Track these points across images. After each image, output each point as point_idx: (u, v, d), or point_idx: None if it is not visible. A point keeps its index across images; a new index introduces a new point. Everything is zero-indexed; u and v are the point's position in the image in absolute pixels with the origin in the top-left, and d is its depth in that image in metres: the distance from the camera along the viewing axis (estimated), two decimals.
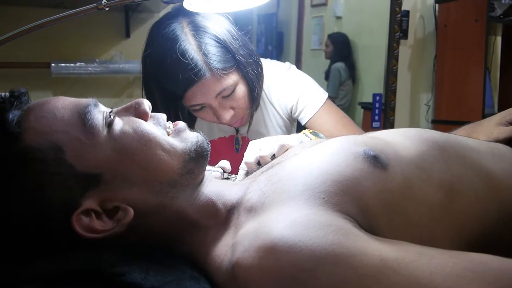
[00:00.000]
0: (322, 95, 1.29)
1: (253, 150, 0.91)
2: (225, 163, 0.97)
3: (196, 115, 1.19)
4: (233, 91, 1.12)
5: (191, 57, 1.04)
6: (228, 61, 1.08)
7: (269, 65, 1.31)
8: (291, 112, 1.31)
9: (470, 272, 0.50)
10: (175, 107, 1.17)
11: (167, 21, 1.10)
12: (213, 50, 1.07)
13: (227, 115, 1.14)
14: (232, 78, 1.10)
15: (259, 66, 1.20)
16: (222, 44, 1.08)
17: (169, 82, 1.09)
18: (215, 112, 1.13)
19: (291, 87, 1.28)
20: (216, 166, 0.97)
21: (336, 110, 1.31)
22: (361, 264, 0.50)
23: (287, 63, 1.34)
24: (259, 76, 1.19)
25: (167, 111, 1.13)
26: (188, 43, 1.06)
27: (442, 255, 0.52)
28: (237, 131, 1.32)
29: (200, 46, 1.06)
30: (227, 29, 1.11)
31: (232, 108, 1.15)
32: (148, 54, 1.13)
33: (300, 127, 1.36)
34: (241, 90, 1.14)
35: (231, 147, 1.34)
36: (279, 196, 0.60)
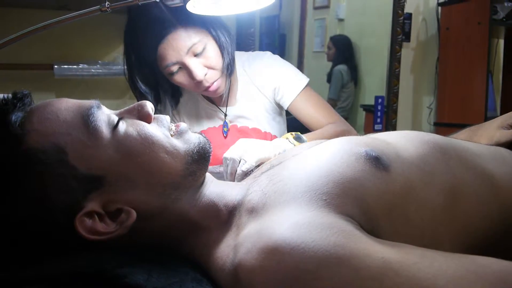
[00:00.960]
0: (302, 81, 1.35)
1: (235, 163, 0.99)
2: None
3: (175, 81, 1.23)
4: (204, 49, 1.17)
5: (159, 14, 1.11)
6: (195, 16, 1.13)
7: (252, 55, 1.40)
8: (274, 96, 1.37)
9: (473, 274, 0.50)
10: (155, 85, 1.25)
11: None
12: (180, 8, 1.11)
13: (200, 72, 1.18)
14: (201, 33, 1.16)
15: (228, 30, 1.26)
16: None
17: (142, 42, 1.16)
18: (189, 72, 1.18)
19: (273, 72, 1.35)
20: None
21: (315, 95, 1.38)
22: (364, 266, 0.50)
23: (268, 52, 1.41)
24: (228, 35, 1.24)
25: (150, 91, 1.24)
26: (156, 6, 1.10)
27: (445, 257, 0.52)
28: (225, 115, 1.37)
29: (168, 6, 1.10)
30: None
31: (206, 66, 1.19)
32: (126, 27, 1.21)
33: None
34: (212, 48, 1.19)
35: (220, 135, 1.38)
36: (281, 197, 0.60)
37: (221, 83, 1.25)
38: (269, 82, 1.35)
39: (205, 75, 1.19)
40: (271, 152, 1.01)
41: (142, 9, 1.11)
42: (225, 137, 1.37)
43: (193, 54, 1.17)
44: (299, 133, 1.13)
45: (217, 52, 1.21)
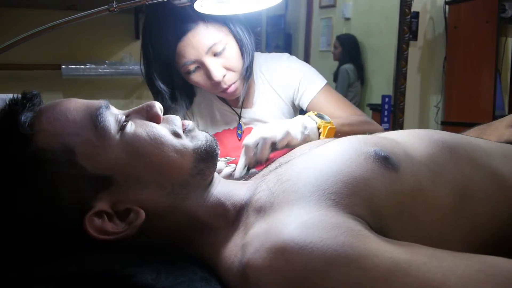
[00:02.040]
0: (321, 79, 1.32)
1: (255, 133, 0.92)
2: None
3: (191, 81, 1.20)
4: (224, 49, 1.13)
5: (181, 10, 1.07)
6: (217, 16, 1.10)
7: (269, 56, 1.35)
8: (293, 98, 1.33)
9: (482, 274, 0.50)
10: (171, 82, 1.21)
11: None
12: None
13: (219, 73, 1.14)
14: (222, 32, 1.13)
15: (248, 29, 1.22)
16: None
17: (162, 37, 1.12)
18: (207, 72, 1.14)
19: (291, 74, 1.31)
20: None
21: (335, 93, 1.34)
22: (372, 266, 0.50)
23: (286, 53, 1.38)
24: (249, 36, 1.21)
25: (165, 89, 1.19)
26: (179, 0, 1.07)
27: (454, 257, 0.52)
28: (240, 117, 1.33)
29: (191, 1, 1.07)
30: None
31: (225, 67, 1.16)
32: (145, 20, 1.17)
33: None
34: (232, 48, 1.16)
35: (235, 137, 1.35)
36: (289, 196, 0.60)
37: (239, 86, 1.21)
38: (288, 85, 1.32)
39: (224, 76, 1.16)
40: (295, 128, 0.95)
41: (162, 5, 1.07)
42: (240, 140, 1.33)
43: (212, 54, 1.13)
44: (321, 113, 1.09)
45: (237, 53, 1.17)
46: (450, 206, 0.62)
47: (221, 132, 1.35)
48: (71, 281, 0.57)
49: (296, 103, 1.34)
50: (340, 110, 1.29)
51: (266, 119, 1.33)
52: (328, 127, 1.01)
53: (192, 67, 1.15)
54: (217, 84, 1.16)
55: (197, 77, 1.17)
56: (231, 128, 1.35)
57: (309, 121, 1.00)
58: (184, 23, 1.09)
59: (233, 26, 1.16)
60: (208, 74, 1.15)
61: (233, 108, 1.34)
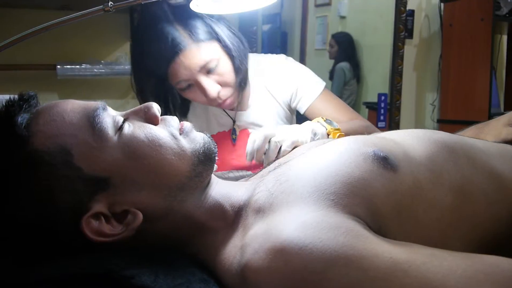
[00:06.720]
0: (319, 83, 1.31)
1: (263, 132, 0.92)
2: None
3: (185, 96, 1.20)
4: (217, 65, 1.13)
5: (171, 30, 1.08)
6: (207, 32, 1.12)
7: (266, 59, 1.34)
8: (290, 102, 1.32)
9: (482, 274, 0.50)
10: (165, 95, 1.21)
11: (149, 8, 1.13)
12: (191, 22, 1.10)
13: (213, 89, 1.14)
14: (213, 49, 1.13)
15: (241, 40, 1.22)
16: (200, 18, 1.12)
17: (153, 59, 1.12)
18: (202, 89, 1.14)
19: (289, 77, 1.30)
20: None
21: (334, 96, 1.34)
22: (372, 266, 0.50)
23: (282, 55, 1.37)
24: (242, 49, 1.21)
25: (158, 100, 1.18)
26: (167, 20, 1.09)
27: (454, 257, 0.52)
28: (234, 122, 1.32)
29: (179, 21, 1.09)
30: None
31: (219, 83, 1.15)
32: (133, 39, 1.19)
33: (299, 118, 1.37)
34: (225, 63, 1.16)
35: (229, 140, 1.34)
36: (288, 197, 0.60)
37: (235, 99, 1.22)
38: (285, 88, 1.30)
39: (219, 92, 1.15)
40: (305, 135, 0.94)
41: (151, 25, 1.10)
42: (234, 145, 1.32)
43: (205, 71, 1.13)
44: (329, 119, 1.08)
45: (230, 68, 1.17)
46: (449, 205, 0.63)
47: (215, 135, 1.34)
48: (69, 282, 0.56)
49: (293, 106, 1.33)
50: (340, 114, 1.28)
51: (261, 122, 1.32)
52: (338, 133, 1.00)
53: (185, 84, 1.15)
54: (213, 100, 1.17)
55: (192, 94, 1.18)
56: (226, 131, 1.34)
57: (319, 127, 0.99)
58: (174, 45, 1.08)
59: (225, 41, 1.15)
60: (203, 92, 1.15)
61: (228, 111, 1.33)
